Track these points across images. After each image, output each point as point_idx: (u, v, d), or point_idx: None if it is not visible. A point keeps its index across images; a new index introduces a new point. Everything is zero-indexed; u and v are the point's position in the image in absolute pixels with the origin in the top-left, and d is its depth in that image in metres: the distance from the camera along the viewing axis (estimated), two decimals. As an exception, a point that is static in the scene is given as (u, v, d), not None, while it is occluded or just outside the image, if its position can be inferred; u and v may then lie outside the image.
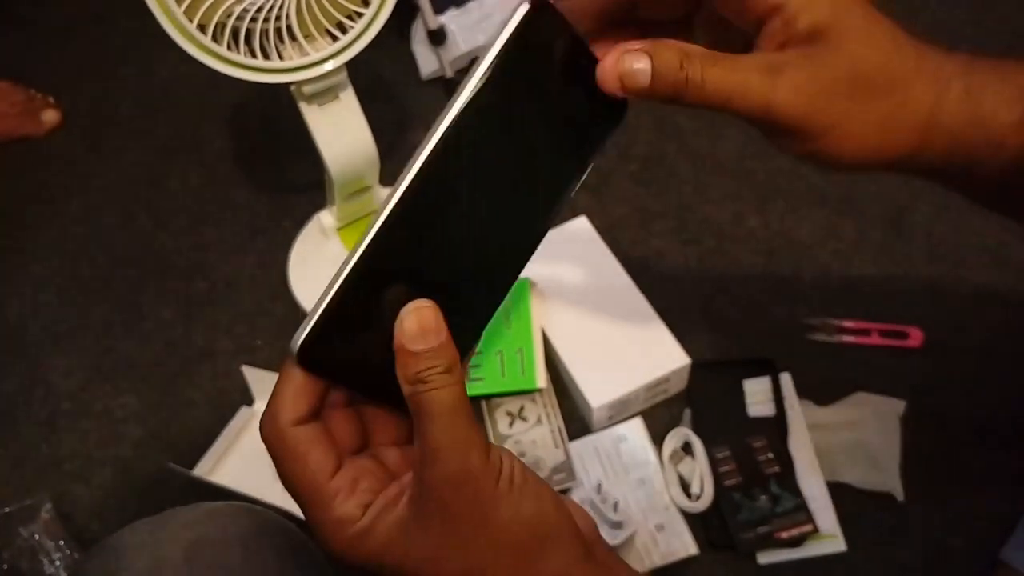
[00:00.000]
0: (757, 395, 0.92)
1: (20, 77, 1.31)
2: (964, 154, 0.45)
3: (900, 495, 0.86)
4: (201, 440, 0.92)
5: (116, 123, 1.30)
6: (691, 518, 0.86)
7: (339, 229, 1.07)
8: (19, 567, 0.86)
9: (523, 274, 1.02)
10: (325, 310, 0.33)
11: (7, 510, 0.89)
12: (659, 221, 1.10)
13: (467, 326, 0.37)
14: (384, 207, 0.34)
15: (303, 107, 0.88)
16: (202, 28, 0.76)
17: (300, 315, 1.04)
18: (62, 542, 0.87)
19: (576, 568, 0.36)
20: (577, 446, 0.91)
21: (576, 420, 0.93)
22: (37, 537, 0.87)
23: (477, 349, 0.36)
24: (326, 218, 1.06)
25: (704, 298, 1.03)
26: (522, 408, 0.92)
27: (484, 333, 0.38)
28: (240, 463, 0.91)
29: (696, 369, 0.92)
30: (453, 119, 0.35)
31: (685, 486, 0.87)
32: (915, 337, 0.97)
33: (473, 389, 0.91)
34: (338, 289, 0.33)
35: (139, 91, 1.33)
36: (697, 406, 0.92)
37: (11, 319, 1.09)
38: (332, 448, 0.35)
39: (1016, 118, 0.45)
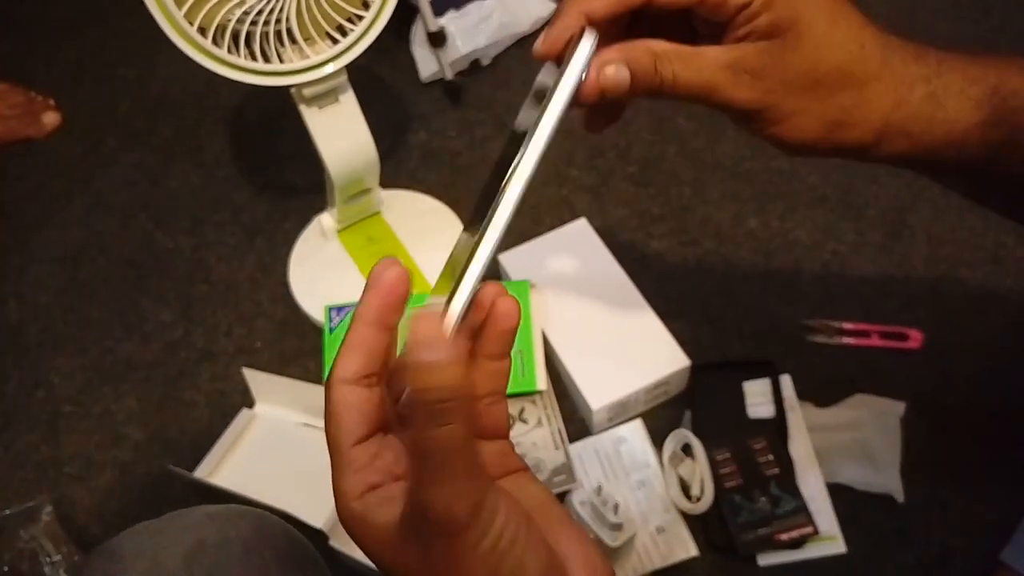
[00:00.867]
0: (757, 397, 0.92)
1: (20, 79, 1.31)
2: (923, 150, 0.47)
3: (900, 497, 0.86)
4: (201, 442, 0.92)
5: (116, 125, 1.30)
6: (691, 520, 0.86)
7: (339, 231, 1.07)
8: (19, 570, 0.86)
9: (523, 276, 1.02)
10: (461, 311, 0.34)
11: (7, 512, 0.89)
12: (659, 223, 1.10)
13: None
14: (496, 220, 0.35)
15: (303, 109, 0.88)
16: (202, 31, 0.76)
17: (301, 317, 1.04)
18: (62, 545, 0.87)
19: None
20: (577, 448, 0.91)
21: (576, 422, 0.93)
22: (37, 540, 0.87)
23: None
24: (326, 220, 1.06)
25: (704, 299, 1.03)
26: (522, 410, 0.92)
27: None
28: (241, 465, 0.91)
29: (696, 371, 0.92)
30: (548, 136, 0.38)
31: (685, 488, 0.87)
32: (915, 339, 0.97)
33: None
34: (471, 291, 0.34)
35: (139, 93, 1.34)
36: (697, 408, 0.92)
37: (11, 320, 1.09)
38: (366, 419, 0.34)
39: (979, 120, 0.46)
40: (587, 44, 0.41)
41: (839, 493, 0.87)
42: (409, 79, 1.29)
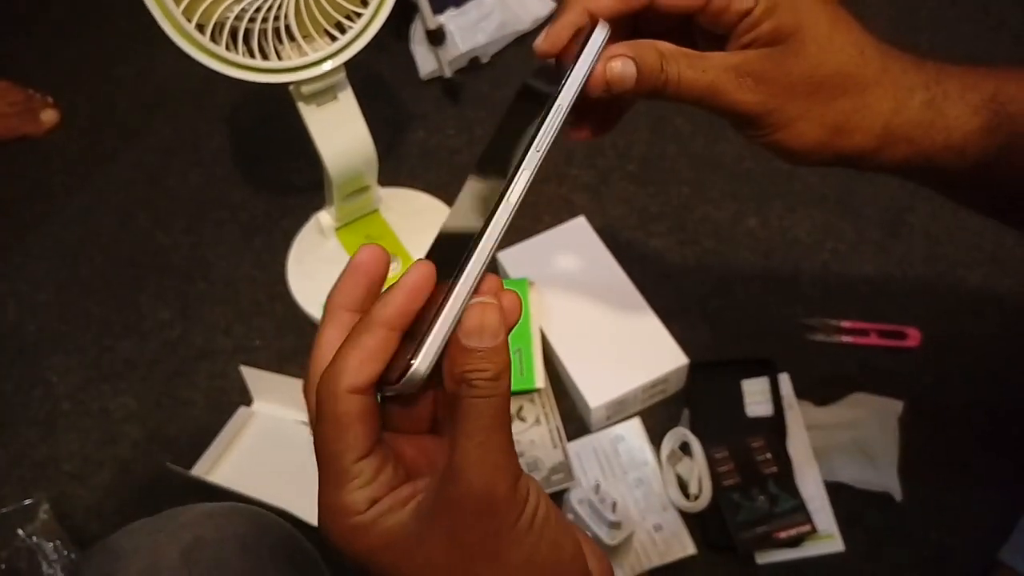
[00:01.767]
0: (755, 395, 0.92)
1: (19, 77, 1.31)
2: (923, 157, 0.47)
3: (898, 495, 0.86)
4: (199, 440, 0.92)
5: (114, 123, 1.30)
6: (689, 518, 0.86)
7: (338, 229, 1.07)
8: (17, 568, 0.86)
9: (522, 274, 1.02)
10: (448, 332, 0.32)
11: (5, 510, 0.89)
12: (658, 221, 1.10)
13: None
14: (496, 222, 0.34)
15: (302, 107, 0.88)
16: (200, 28, 0.76)
17: (299, 315, 1.04)
18: (60, 543, 0.87)
19: None
20: (575, 446, 0.91)
21: (574, 420, 0.93)
22: (35, 538, 0.87)
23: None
24: (325, 218, 1.06)
25: (702, 298, 1.03)
26: (520, 408, 0.92)
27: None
28: (239, 463, 0.91)
29: (694, 369, 0.92)
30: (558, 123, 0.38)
31: (683, 486, 0.87)
32: (913, 337, 0.97)
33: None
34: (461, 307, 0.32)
35: (137, 91, 1.33)
36: (695, 406, 0.92)
37: (9, 319, 1.09)
38: (371, 430, 0.32)
39: (978, 126, 0.47)
40: (601, 33, 0.42)
41: (837, 491, 0.87)
42: (408, 77, 1.29)
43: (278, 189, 1.19)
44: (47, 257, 1.15)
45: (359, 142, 0.93)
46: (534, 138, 0.36)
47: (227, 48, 0.78)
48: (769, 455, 0.87)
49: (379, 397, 0.34)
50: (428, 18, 1.21)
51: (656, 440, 0.91)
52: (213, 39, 0.77)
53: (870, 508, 0.86)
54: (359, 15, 0.82)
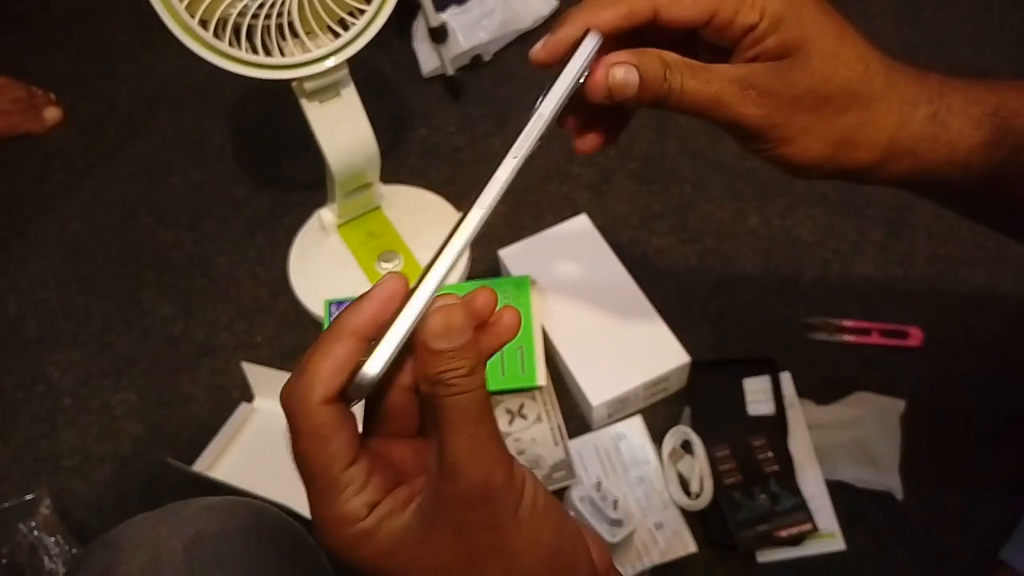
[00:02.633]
0: (757, 394, 0.92)
1: (21, 74, 1.31)
2: (927, 171, 0.47)
3: (899, 494, 0.86)
4: (201, 436, 0.92)
5: (117, 119, 1.30)
6: (690, 516, 0.86)
7: (340, 226, 1.07)
8: (18, 563, 0.86)
9: (523, 272, 1.02)
10: (403, 340, 0.32)
11: (6, 505, 0.89)
12: (660, 219, 1.10)
13: None
14: (462, 233, 0.34)
15: (304, 104, 0.88)
16: (204, 24, 0.76)
17: (300, 312, 1.04)
18: (61, 538, 0.87)
19: None
20: (576, 444, 0.91)
21: (576, 418, 0.93)
22: (36, 533, 0.87)
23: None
24: (327, 215, 1.06)
25: (704, 296, 1.03)
26: (522, 406, 0.92)
27: None
28: (240, 459, 0.91)
29: (696, 367, 0.92)
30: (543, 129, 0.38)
31: (684, 484, 0.87)
32: (915, 337, 0.97)
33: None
34: (417, 317, 0.32)
35: (140, 87, 1.33)
36: (697, 404, 0.92)
37: (11, 315, 1.09)
38: (354, 436, 0.32)
39: (981, 139, 0.47)
40: (590, 43, 0.41)
41: (839, 490, 0.87)
42: (410, 74, 1.28)
43: (280, 186, 1.19)
44: (49, 253, 1.15)
45: (361, 139, 0.93)
46: (512, 144, 0.37)
47: (230, 44, 0.78)
48: (770, 454, 0.87)
49: (356, 403, 0.34)
50: (431, 16, 1.21)
51: (658, 438, 0.91)
52: (216, 35, 0.77)
53: (871, 507, 0.86)
54: (362, 12, 0.82)
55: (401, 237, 1.06)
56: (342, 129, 0.91)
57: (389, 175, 1.07)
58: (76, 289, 1.11)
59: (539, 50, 0.43)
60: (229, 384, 1.00)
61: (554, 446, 0.90)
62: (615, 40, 0.43)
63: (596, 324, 0.95)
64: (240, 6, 0.76)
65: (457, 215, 0.36)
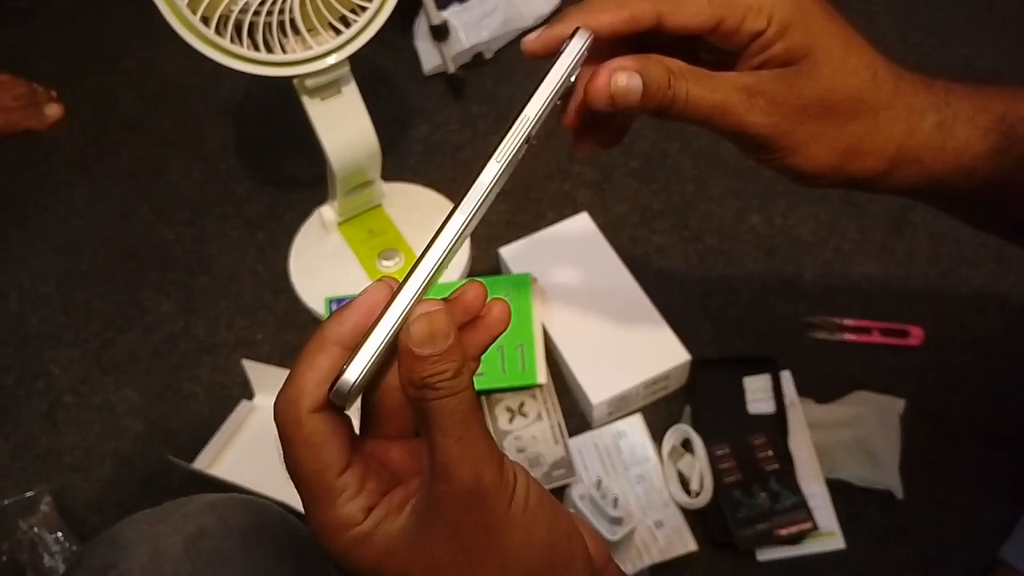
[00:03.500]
0: (757, 392, 0.92)
1: (22, 70, 1.31)
2: (934, 180, 0.47)
3: (899, 493, 0.86)
4: (201, 433, 0.92)
5: (118, 116, 1.30)
6: (690, 515, 0.86)
7: (340, 223, 1.07)
8: (18, 559, 0.86)
9: (524, 270, 1.02)
10: (382, 349, 0.32)
11: (6, 502, 0.89)
12: (661, 218, 1.10)
13: None
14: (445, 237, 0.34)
15: (305, 101, 0.88)
16: (205, 21, 0.76)
17: (301, 309, 1.04)
18: (61, 535, 0.87)
19: None
20: (577, 442, 0.91)
21: (576, 416, 0.93)
22: (36, 530, 0.87)
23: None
24: (327, 212, 1.06)
25: (705, 295, 1.03)
26: (522, 404, 0.92)
27: None
28: (240, 456, 0.91)
29: (696, 366, 0.92)
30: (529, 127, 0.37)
31: (685, 483, 0.87)
32: (916, 336, 0.97)
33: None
34: (396, 325, 0.32)
35: (141, 84, 1.33)
36: (697, 403, 0.92)
37: (12, 311, 1.09)
38: (346, 442, 0.33)
39: (988, 147, 0.46)
40: (579, 41, 0.40)
41: (839, 489, 0.87)
42: (412, 72, 1.28)
43: (281, 183, 1.19)
44: (50, 250, 1.15)
45: (362, 136, 0.93)
46: (495, 148, 0.36)
47: (232, 41, 0.78)
48: (770, 452, 0.88)
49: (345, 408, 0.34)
50: (432, 14, 1.21)
51: (658, 436, 0.91)
52: (218, 32, 0.77)
53: (871, 506, 0.86)
54: (363, 9, 0.82)
55: (402, 235, 1.06)
56: (343, 126, 0.91)
57: (390, 173, 1.07)
58: (77, 286, 1.11)
59: (532, 40, 0.42)
60: (230, 381, 1.00)
61: (554, 444, 0.90)
62: (615, 44, 0.43)
63: (596, 322, 0.95)
64: (242, 3, 0.76)
65: None
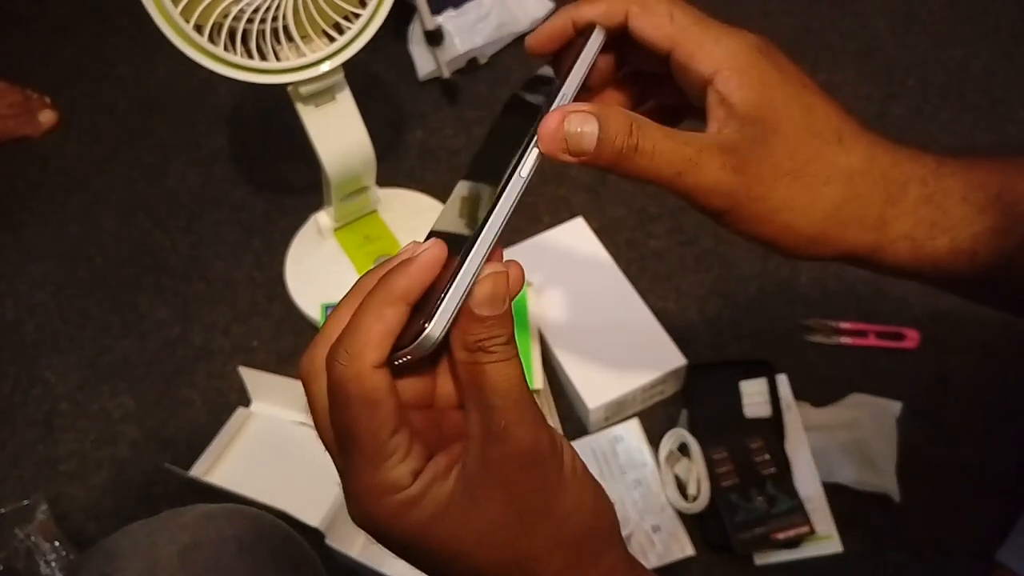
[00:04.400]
0: (754, 396, 0.92)
1: (17, 77, 1.31)
2: (930, 260, 0.43)
3: (896, 496, 0.86)
4: (198, 440, 0.92)
5: (113, 123, 1.29)
6: (688, 519, 0.86)
7: (336, 230, 1.07)
8: (15, 568, 0.86)
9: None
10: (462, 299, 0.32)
11: (2, 511, 0.89)
12: (656, 222, 1.10)
13: None
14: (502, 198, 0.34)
15: (300, 108, 0.88)
16: (199, 29, 0.76)
17: (297, 316, 1.04)
18: (57, 543, 0.87)
19: (621, 568, 0.35)
20: (574, 446, 0.91)
21: (573, 421, 0.93)
22: (33, 538, 0.87)
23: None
24: (323, 219, 1.06)
25: (701, 299, 1.03)
26: (519, 409, 0.92)
27: None
28: (237, 464, 0.91)
29: (693, 370, 0.92)
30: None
31: (682, 487, 0.87)
32: (912, 338, 0.97)
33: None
34: (473, 276, 0.32)
35: (136, 91, 1.33)
36: (694, 407, 0.92)
37: (7, 318, 1.09)
38: (399, 403, 0.32)
39: (987, 226, 0.43)
40: (596, 39, 0.40)
41: (836, 492, 0.87)
42: (406, 78, 1.29)
43: (277, 189, 1.19)
44: (46, 257, 1.15)
45: (357, 143, 0.93)
46: (519, 161, 0.35)
47: (225, 49, 0.78)
48: (767, 456, 0.88)
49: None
50: (426, 19, 1.21)
51: (655, 441, 0.91)
52: (211, 40, 0.77)
53: (868, 509, 0.86)
54: (357, 16, 0.82)
55: (398, 240, 1.06)
56: (338, 133, 0.91)
57: (385, 178, 1.07)
58: (73, 292, 1.11)
59: (531, 38, 0.42)
60: (226, 388, 0.99)
61: (551, 449, 0.90)
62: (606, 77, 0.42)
63: (593, 327, 0.95)
64: (235, 11, 0.76)
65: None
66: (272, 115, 1.25)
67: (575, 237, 1.03)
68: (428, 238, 0.36)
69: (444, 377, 0.36)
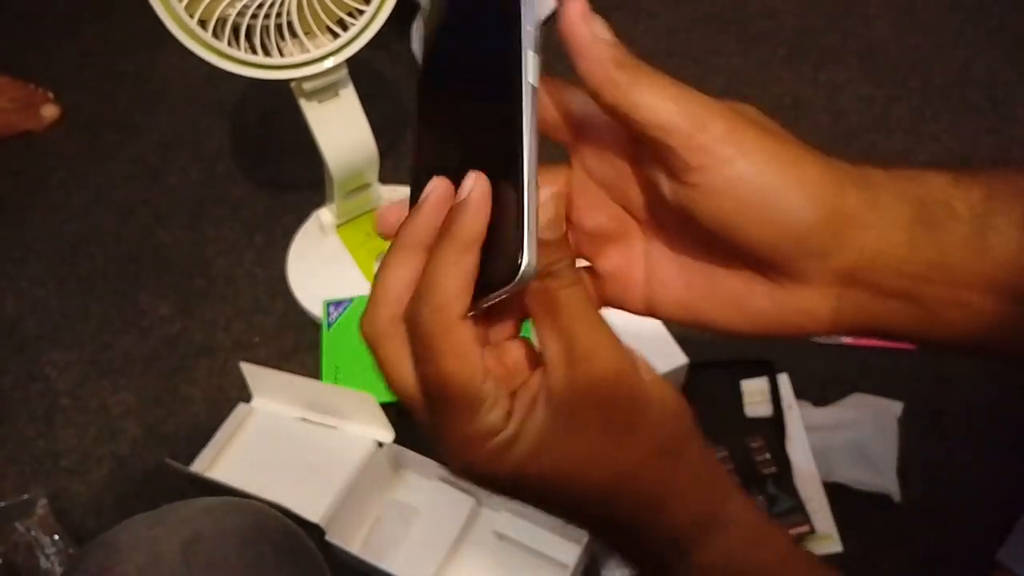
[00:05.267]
0: (755, 395, 0.92)
1: (20, 72, 1.31)
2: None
3: (897, 496, 0.86)
4: (198, 437, 0.92)
5: (115, 119, 1.30)
6: (688, 518, 0.86)
7: (338, 226, 1.07)
8: (14, 562, 0.86)
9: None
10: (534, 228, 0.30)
11: (2, 505, 0.89)
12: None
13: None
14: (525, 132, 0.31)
15: (303, 104, 0.88)
16: (203, 24, 0.76)
17: (299, 312, 1.04)
18: (57, 537, 0.87)
19: (705, 461, 0.35)
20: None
21: (574, 419, 0.93)
22: (33, 533, 0.87)
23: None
24: (325, 215, 1.06)
25: (703, 298, 1.03)
26: (520, 407, 0.92)
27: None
28: (238, 460, 0.91)
29: (694, 369, 0.92)
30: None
31: (682, 486, 0.87)
32: (913, 339, 0.97)
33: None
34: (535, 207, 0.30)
35: (139, 87, 1.33)
36: (694, 406, 0.91)
37: (9, 314, 1.09)
38: (482, 350, 0.32)
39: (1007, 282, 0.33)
40: None
41: (836, 492, 0.87)
42: (409, 74, 1.29)
43: (279, 186, 1.19)
44: (47, 253, 1.15)
45: (360, 139, 0.93)
46: (518, 72, 0.32)
47: (229, 44, 0.78)
48: (768, 455, 0.87)
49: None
50: (430, 16, 1.21)
51: (655, 439, 0.91)
52: (215, 35, 0.77)
53: (869, 509, 0.86)
54: (361, 12, 0.82)
55: (400, 238, 1.06)
56: (341, 129, 0.91)
57: (388, 175, 1.06)
58: (74, 289, 1.11)
59: None
60: (227, 384, 0.99)
61: (552, 447, 0.90)
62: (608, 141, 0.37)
63: (594, 325, 0.95)
64: (239, 6, 0.76)
65: None
66: (274, 112, 1.25)
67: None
68: (419, 176, 0.34)
69: (503, 310, 0.34)
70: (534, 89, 0.32)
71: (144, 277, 1.11)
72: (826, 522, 0.85)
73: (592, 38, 0.32)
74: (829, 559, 0.84)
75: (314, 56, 0.82)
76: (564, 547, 0.79)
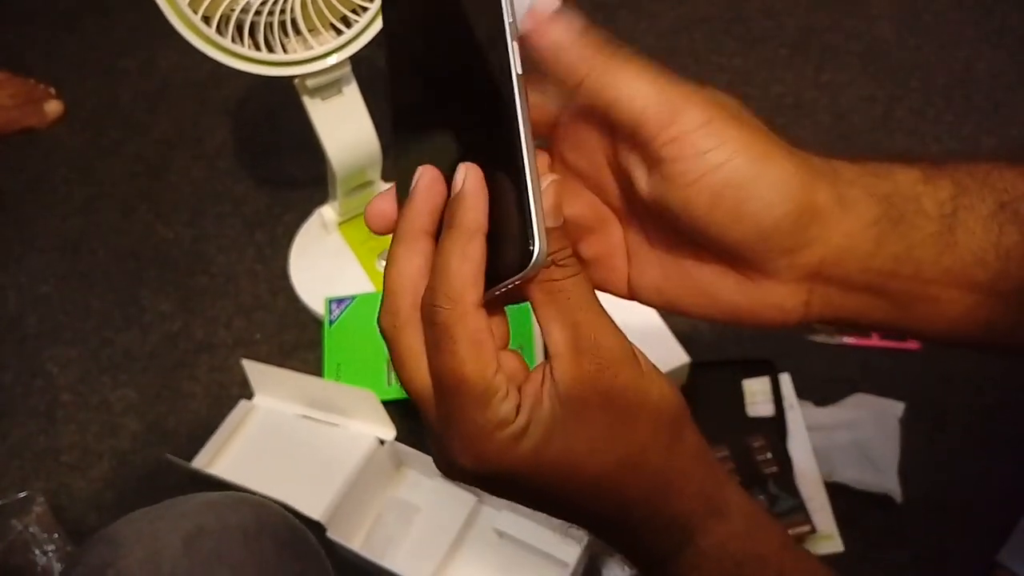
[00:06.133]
0: (756, 395, 0.92)
1: (22, 69, 1.31)
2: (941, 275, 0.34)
3: (898, 496, 0.86)
4: (199, 433, 0.92)
5: (117, 115, 1.29)
6: (689, 517, 0.86)
7: (340, 224, 1.07)
8: (12, 560, 0.86)
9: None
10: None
11: (1, 502, 0.89)
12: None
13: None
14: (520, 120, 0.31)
15: (306, 101, 0.88)
16: (207, 20, 0.76)
17: (300, 309, 1.04)
18: (56, 535, 0.87)
19: (701, 448, 0.36)
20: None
21: (575, 418, 0.93)
22: (31, 530, 0.87)
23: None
24: (328, 213, 1.06)
25: (704, 297, 1.03)
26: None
27: None
28: (239, 456, 0.91)
29: (695, 368, 0.92)
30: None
31: (683, 485, 0.87)
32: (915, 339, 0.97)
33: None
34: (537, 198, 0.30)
35: (141, 83, 1.33)
36: (696, 405, 0.90)
37: (10, 310, 1.09)
38: (494, 340, 0.32)
39: (990, 275, 0.34)
40: None
41: (837, 492, 0.87)
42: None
43: (281, 183, 1.19)
44: (48, 249, 1.15)
45: (363, 137, 0.93)
46: (505, 61, 0.32)
47: (233, 41, 0.78)
48: (769, 455, 0.87)
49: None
50: (433, 15, 1.21)
51: (656, 438, 0.91)
52: (219, 32, 0.77)
53: (870, 509, 0.86)
54: (365, 9, 0.82)
55: (401, 235, 1.06)
56: (344, 127, 0.91)
57: (391, 173, 1.07)
58: (76, 285, 1.11)
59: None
60: (228, 381, 0.99)
61: (553, 445, 0.90)
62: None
63: (596, 324, 0.95)
64: (243, 2, 0.76)
65: None
66: (276, 109, 1.25)
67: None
68: (404, 166, 0.34)
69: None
70: (521, 76, 0.32)
71: (145, 274, 1.11)
72: (827, 522, 0.85)
73: (567, 23, 0.33)
74: (830, 559, 0.84)
75: (317, 53, 0.82)
76: (564, 546, 0.79)
